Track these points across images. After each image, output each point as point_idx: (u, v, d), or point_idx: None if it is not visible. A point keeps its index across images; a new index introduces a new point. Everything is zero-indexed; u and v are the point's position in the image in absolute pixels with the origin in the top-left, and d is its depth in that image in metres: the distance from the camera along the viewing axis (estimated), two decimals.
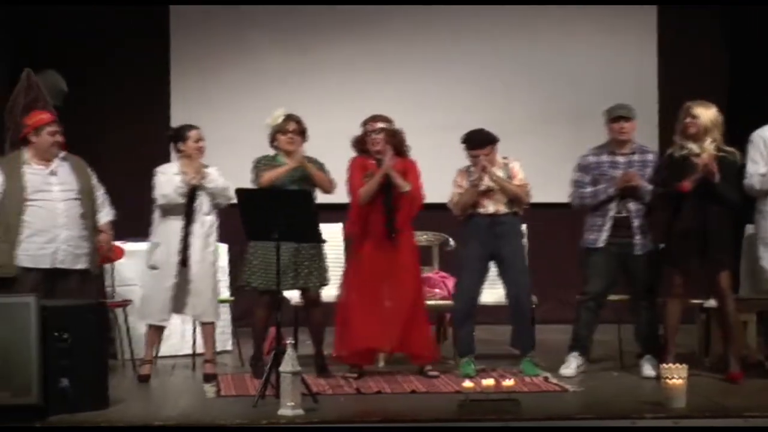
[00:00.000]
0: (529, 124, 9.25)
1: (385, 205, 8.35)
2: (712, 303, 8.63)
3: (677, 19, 11.75)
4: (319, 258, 8.53)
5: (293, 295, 8.76)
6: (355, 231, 8.49)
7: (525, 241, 8.84)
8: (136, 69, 11.24)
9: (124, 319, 9.05)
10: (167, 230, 8.41)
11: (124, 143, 10.57)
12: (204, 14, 11.39)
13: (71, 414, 7.05)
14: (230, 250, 9.76)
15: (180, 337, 9.41)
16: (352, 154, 8.51)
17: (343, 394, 7.85)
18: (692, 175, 8.08)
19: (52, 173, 8.08)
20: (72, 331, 7.18)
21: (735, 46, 11.80)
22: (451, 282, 9.13)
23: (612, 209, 8.48)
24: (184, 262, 8.38)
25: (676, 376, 7.20)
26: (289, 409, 6.98)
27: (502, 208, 8.52)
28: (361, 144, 8.50)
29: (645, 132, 10.45)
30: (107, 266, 9.18)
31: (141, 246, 8.83)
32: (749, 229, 8.79)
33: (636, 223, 8.45)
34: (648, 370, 8.35)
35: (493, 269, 8.66)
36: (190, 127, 8.52)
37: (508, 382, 7.28)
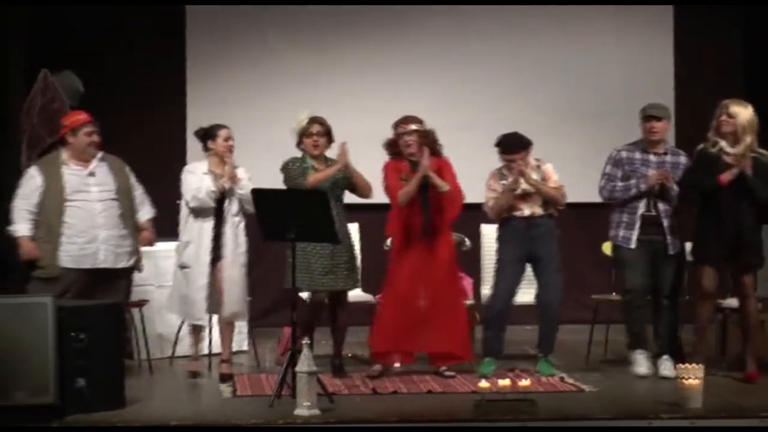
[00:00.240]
0: (545, 124, 9.24)
1: (423, 205, 8.37)
2: (729, 303, 8.61)
3: (694, 19, 11.71)
4: (354, 260, 8.59)
5: (305, 295, 8.76)
6: (394, 231, 8.51)
7: None
8: (152, 69, 11.24)
9: (140, 319, 9.06)
10: (198, 229, 8.42)
11: (141, 143, 10.57)
12: (220, 14, 11.39)
13: (87, 414, 7.07)
14: (247, 251, 9.75)
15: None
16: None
17: (359, 394, 7.84)
18: (724, 171, 8.08)
19: (91, 174, 8.16)
20: (89, 331, 7.20)
21: (751, 46, 11.76)
22: (467, 282, 9.13)
23: (641, 207, 8.47)
24: (214, 262, 8.39)
25: (693, 376, 7.19)
26: (305, 409, 6.98)
27: (538, 211, 8.52)
28: (393, 147, 8.50)
29: None
30: None
31: (158, 246, 8.83)
32: None
33: (666, 223, 8.44)
34: (666, 370, 8.32)
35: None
36: (220, 126, 8.54)
37: (525, 383, 7.27)
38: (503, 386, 7.11)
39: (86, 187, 8.12)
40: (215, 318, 8.68)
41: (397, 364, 8.69)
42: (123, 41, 11.15)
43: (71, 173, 8.13)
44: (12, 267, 8.86)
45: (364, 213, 9.34)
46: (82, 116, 8.28)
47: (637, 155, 8.57)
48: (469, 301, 9.13)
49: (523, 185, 8.45)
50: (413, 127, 8.43)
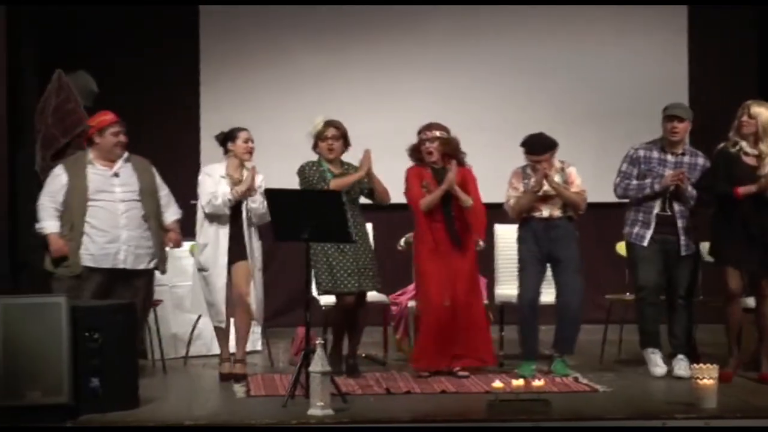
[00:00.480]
0: (556, 125, 9.21)
1: (446, 215, 8.38)
2: (745, 302, 8.59)
3: (708, 20, 11.69)
4: (375, 261, 8.60)
5: (322, 297, 8.75)
6: (417, 238, 8.53)
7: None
8: (165, 70, 11.26)
9: (154, 318, 9.07)
10: (214, 232, 8.42)
11: (154, 144, 10.57)
12: (234, 14, 11.39)
13: (102, 414, 7.07)
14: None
15: (210, 336, 9.42)
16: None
17: (373, 394, 7.83)
18: (744, 176, 8.10)
19: (115, 174, 8.18)
20: (102, 331, 7.21)
21: (765, 46, 11.73)
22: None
23: (656, 207, 8.46)
24: (232, 264, 8.41)
25: (707, 376, 7.17)
26: (318, 409, 6.98)
27: (557, 212, 8.51)
28: (416, 153, 8.50)
29: None
30: None
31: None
32: None
33: (680, 223, 8.43)
34: (680, 370, 8.30)
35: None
36: (240, 128, 8.53)
37: (538, 383, 7.27)
38: (517, 386, 7.10)
39: (110, 187, 8.15)
40: (233, 319, 8.69)
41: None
42: (137, 41, 11.17)
43: (96, 173, 8.16)
44: (24, 266, 8.88)
45: (378, 213, 9.33)
46: (109, 116, 8.29)
47: (655, 154, 8.55)
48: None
49: (546, 187, 8.44)
50: (436, 134, 8.44)
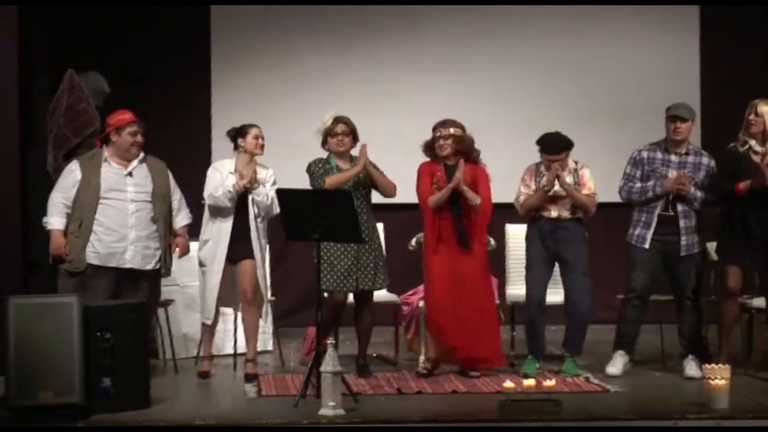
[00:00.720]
0: (568, 124, 9.19)
1: (454, 212, 8.38)
2: (756, 303, 8.58)
3: (720, 19, 11.66)
4: (380, 260, 8.58)
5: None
6: (426, 237, 8.52)
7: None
8: (177, 69, 11.26)
9: (165, 318, 9.08)
10: (217, 229, 8.43)
11: (166, 144, 10.57)
12: (245, 14, 11.40)
13: (113, 413, 7.10)
14: (271, 251, 9.78)
15: (222, 337, 9.44)
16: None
17: (384, 394, 7.84)
18: (752, 174, 8.09)
19: (129, 174, 8.18)
20: (114, 330, 7.22)
21: None
22: (493, 282, 9.11)
23: (658, 207, 8.46)
24: (235, 261, 8.42)
25: (720, 376, 7.16)
26: (329, 409, 6.98)
27: (565, 213, 8.51)
28: (430, 149, 8.50)
29: None
30: None
31: None
32: None
33: (682, 223, 8.42)
34: (691, 370, 8.30)
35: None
36: (252, 125, 8.54)
37: (549, 383, 7.26)
38: (528, 386, 7.10)
39: (123, 186, 8.15)
40: (240, 318, 8.70)
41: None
42: (148, 41, 11.18)
43: (110, 171, 8.17)
44: (36, 265, 8.89)
45: (389, 213, 9.34)
46: (127, 115, 8.29)
47: (659, 155, 8.55)
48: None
49: (556, 187, 8.43)
50: (451, 131, 8.43)
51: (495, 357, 8.49)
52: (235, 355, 9.04)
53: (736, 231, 8.20)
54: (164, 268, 8.35)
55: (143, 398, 7.33)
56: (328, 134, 8.53)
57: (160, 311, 9.05)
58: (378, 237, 8.71)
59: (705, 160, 8.55)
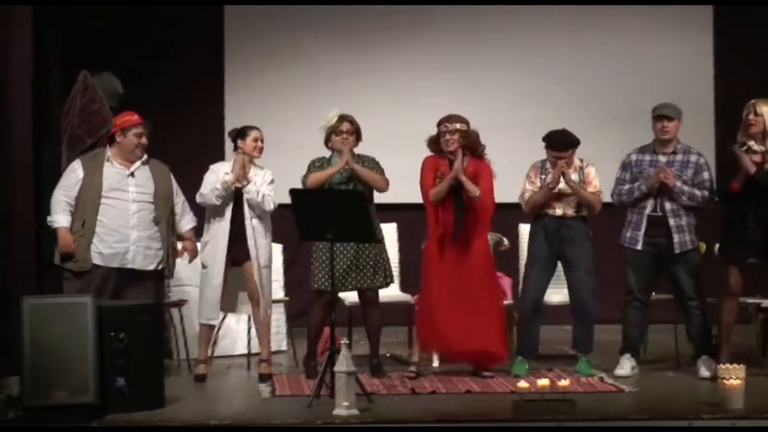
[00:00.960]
0: (580, 124, 9.18)
1: (456, 206, 8.35)
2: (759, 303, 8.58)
3: (733, 19, 11.65)
4: (382, 258, 8.55)
5: (348, 295, 8.76)
6: (428, 231, 8.49)
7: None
8: (190, 69, 11.30)
9: (179, 318, 9.10)
10: (215, 230, 8.45)
11: (179, 145, 10.62)
12: (258, 14, 11.42)
13: (127, 413, 7.10)
14: (284, 251, 9.80)
15: (235, 337, 9.46)
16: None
17: (398, 394, 7.84)
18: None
19: (131, 175, 8.18)
20: (128, 330, 7.23)
21: None
22: (506, 282, 9.11)
23: (647, 208, 8.45)
24: (234, 263, 8.42)
25: (734, 376, 7.14)
26: (343, 409, 6.99)
27: (570, 211, 8.51)
28: (434, 143, 8.49)
29: (701, 133, 10.42)
30: None
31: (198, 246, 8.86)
32: None
33: (672, 222, 8.40)
34: (704, 371, 8.28)
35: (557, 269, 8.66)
36: (252, 127, 8.56)
37: (564, 383, 7.25)
38: (542, 386, 7.09)
39: (124, 186, 8.16)
40: (252, 318, 8.71)
41: (435, 363, 8.71)
42: (161, 42, 11.21)
43: (112, 171, 8.18)
44: (49, 265, 8.91)
45: (402, 212, 9.36)
46: (134, 117, 8.31)
47: (647, 157, 8.56)
48: (508, 301, 9.11)
49: (562, 185, 8.43)
50: (456, 126, 8.41)
51: (499, 353, 8.41)
52: (249, 355, 9.05)
53: (736, 231, 8.19)
54: (167, 269, 8.35)
55: (157, 398, 7.34)
56: (332, 132, 8.53)
57: (174, 311, 9.07)
58: (380, 234, 8.67)
59: (694, 157, 8.53)
